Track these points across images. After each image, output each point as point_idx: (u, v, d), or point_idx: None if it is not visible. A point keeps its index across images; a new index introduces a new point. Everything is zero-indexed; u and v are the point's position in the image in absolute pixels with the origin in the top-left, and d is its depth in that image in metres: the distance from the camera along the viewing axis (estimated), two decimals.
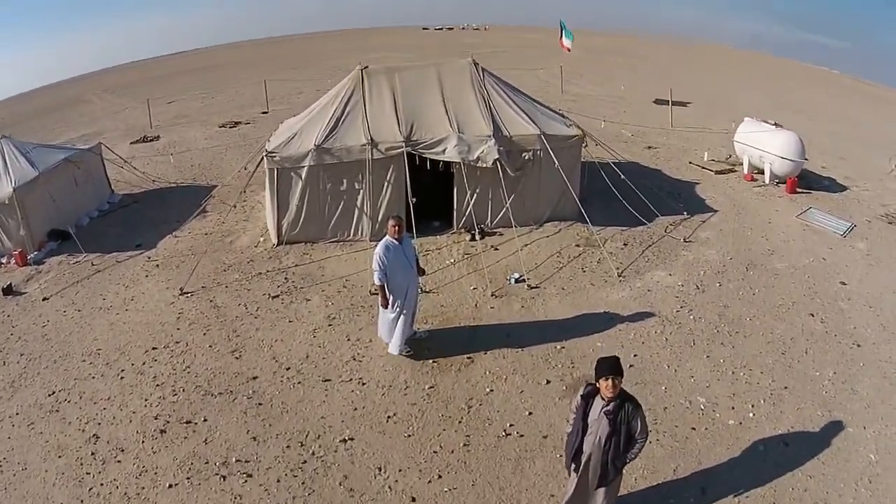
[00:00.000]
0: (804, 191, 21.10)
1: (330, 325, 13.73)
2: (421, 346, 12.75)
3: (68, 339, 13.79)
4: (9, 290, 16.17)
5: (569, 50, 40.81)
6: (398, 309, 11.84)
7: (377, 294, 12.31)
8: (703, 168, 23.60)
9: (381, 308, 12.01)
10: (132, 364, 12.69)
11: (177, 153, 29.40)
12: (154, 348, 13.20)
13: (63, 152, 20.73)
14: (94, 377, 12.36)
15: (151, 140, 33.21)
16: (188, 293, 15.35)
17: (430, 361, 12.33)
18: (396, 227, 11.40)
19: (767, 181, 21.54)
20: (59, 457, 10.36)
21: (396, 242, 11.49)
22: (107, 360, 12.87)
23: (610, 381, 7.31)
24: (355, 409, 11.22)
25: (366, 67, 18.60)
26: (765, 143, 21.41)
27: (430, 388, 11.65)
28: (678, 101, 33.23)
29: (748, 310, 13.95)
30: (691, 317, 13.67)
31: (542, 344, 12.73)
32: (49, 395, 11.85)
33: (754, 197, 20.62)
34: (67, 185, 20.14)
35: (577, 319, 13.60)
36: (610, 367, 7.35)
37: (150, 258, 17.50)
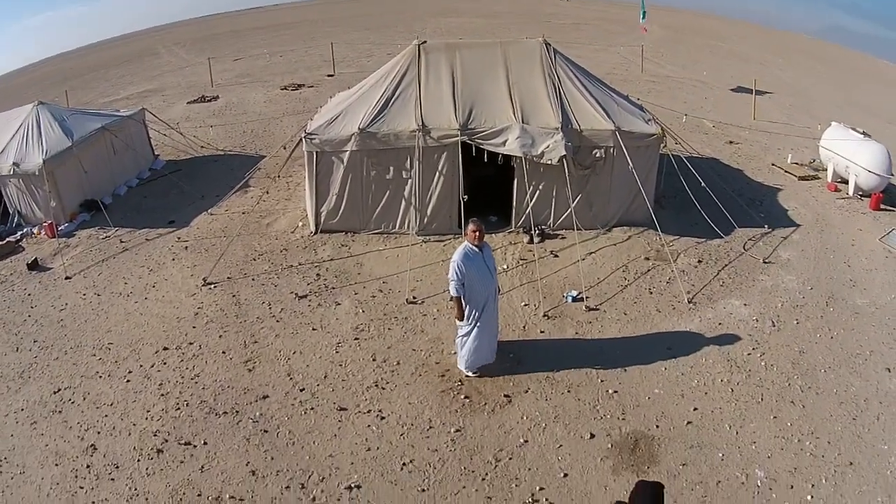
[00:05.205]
0: (888, 208, 19.11)
1: (356, 338, 12.25)
2: (454, 377, 11.16)
3: (83, 328, 13.15)
4: (34, 265, 15.86)
5: (645, 31, 39.34)
6: (474, 321, 10.51)
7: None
8: (786, 172, 21.77)
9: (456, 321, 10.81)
10: (140, 365, 11.83)
11: (232, 115, 28.66)
12: (165, 348, 12.29)
13: (101, 119, 19.96)
14: (100, 376, 11.62)
15: (209, 100, 33.12)
16: (211, 284, 14.34)
17: (463, 397, 10.71)
18: (477, 233, 10.19)
19: (851, 193, 19.72)
20: (56, 465, 9.73)
21: (477, 249, 10.29)
22: (116, 358, 12.10)
23: None
24: (368, 449, 9.75)
25: (423, 42, 16.98)
26: (852, 153, 19.52)
27: (457, 431, 10.02)
28: (760, 91, 31.05)
29: (824, 358, 12.00)
30: (763, 363, 11.75)
31: (592, 386, 10.99)
32: (54, 393, 11.23)
33: (837, 211, 18.68)
34: (103, 154, 19.46)
35: (636, 355, 11.78)
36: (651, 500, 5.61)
37: (179, 238, 16.72)
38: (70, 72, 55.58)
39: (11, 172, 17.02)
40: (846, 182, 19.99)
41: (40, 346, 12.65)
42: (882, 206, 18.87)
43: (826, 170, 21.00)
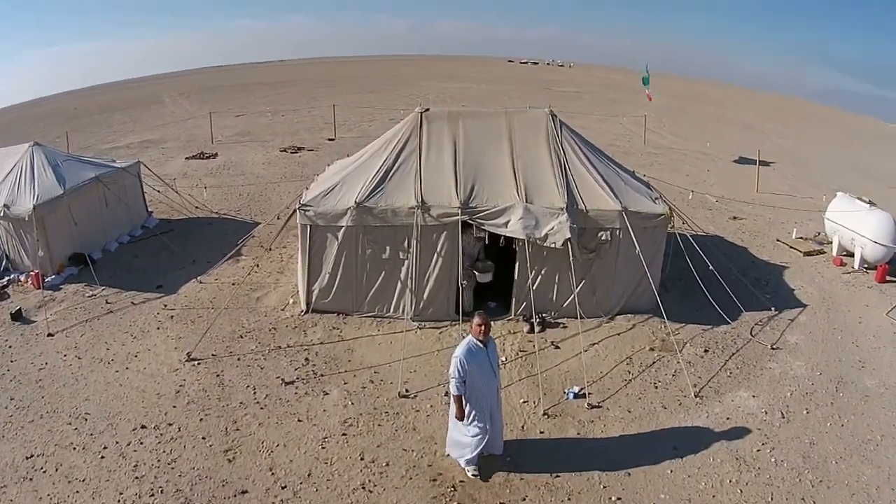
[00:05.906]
0: (894, 279, 18.76)
1: (344, 434, 11.53)
2: (447, 481, 10.42)
3: (60, 392, 12.77)
4: (18, 316, 15.57)
5: (650, 98, 39.60)
6: (481, 424, 9.95)
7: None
8: (790, 247, 21.52)
9: (453, 421, 10.18)
10: (116, 442, 11.24)
11: (230, 176, 28.52)
12: (143, 427, 11.66)
13: (95, 168, 19.68)
14: (75, 448, 11.10)
15: (208, 157, 33.08)
16: (195, 360, 13.75)
17: None
18: (483, 328, 9.64)
19: (857, 266, 19.49)
20: None
21: (481, 345, 9.71)
22: (92, 430, 11.57)
23: None
24: None
25: (426, 111, 16.55)
26: (857, 225, 19.32)
27: None
28: (762, 161, 30.97)
29: (835, 448, 11.49)
30: (772, 459, 11.16)
31: (594, 492, 10.27)
32: (26, 458, 10.82)
33: (844, 287, 18.35)
34: (95, 206, 19.11)
35: (641, 457, 11.11)
36: None
37: (165, 306, 16.24)
38: (76, 111, 55.92)
39: (2, 214, 16.70)
40: (852, 255, 19.79)
41: (16, 405, 12.28)
42: (888, 278, 18.65)
43: (831, 242, 20.82)
